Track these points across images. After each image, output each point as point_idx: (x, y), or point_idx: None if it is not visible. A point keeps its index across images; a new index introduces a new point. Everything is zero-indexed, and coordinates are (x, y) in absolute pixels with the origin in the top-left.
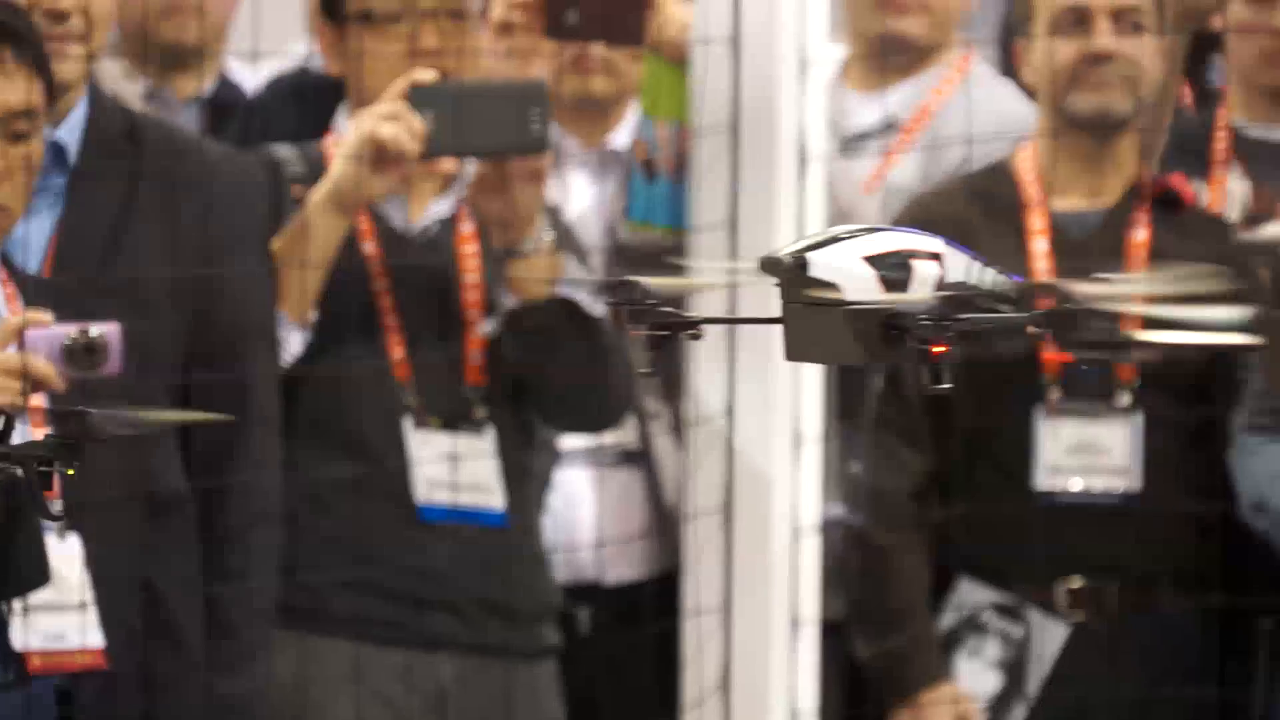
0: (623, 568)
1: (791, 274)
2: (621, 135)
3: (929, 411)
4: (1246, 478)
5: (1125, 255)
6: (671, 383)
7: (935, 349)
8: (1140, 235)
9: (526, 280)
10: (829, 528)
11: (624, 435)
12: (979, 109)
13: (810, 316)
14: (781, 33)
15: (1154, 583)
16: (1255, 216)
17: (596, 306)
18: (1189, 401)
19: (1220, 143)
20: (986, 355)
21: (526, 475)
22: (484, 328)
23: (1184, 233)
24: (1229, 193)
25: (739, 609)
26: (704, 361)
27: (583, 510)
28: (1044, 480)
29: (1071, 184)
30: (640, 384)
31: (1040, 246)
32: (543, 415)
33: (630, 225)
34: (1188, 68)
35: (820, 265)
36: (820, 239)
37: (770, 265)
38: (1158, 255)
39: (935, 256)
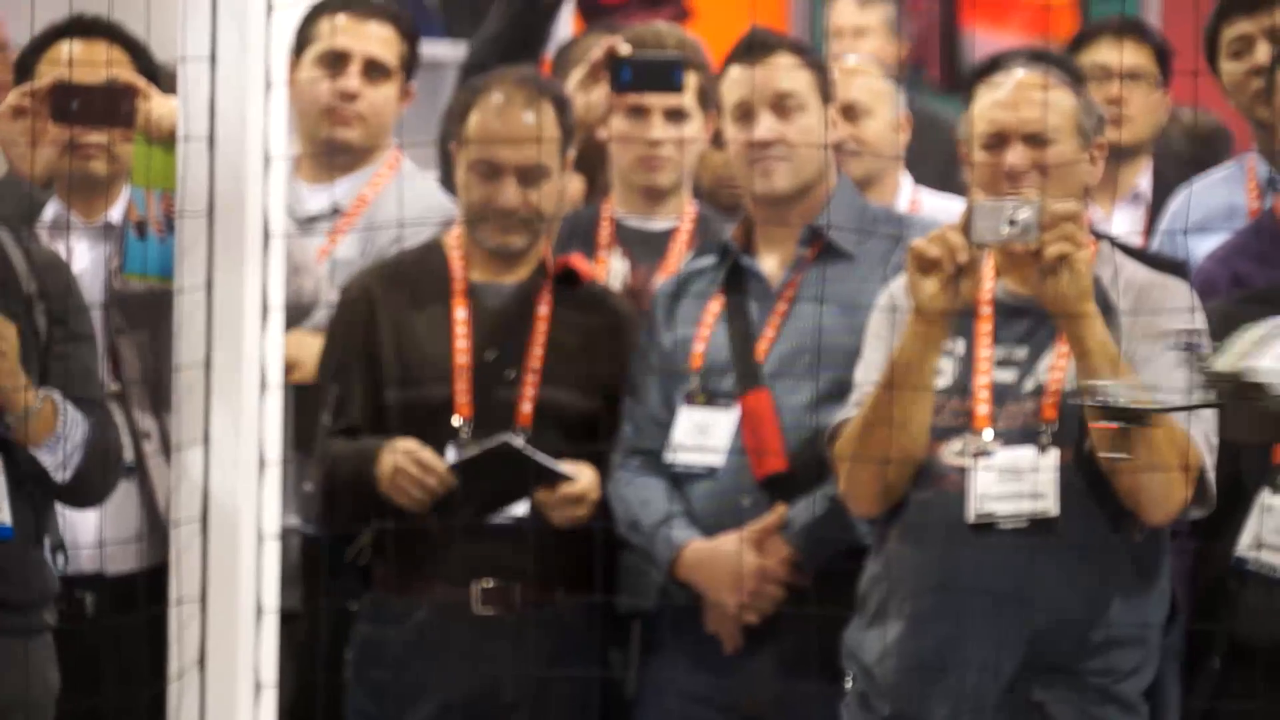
0: (121, 562)
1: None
2: (117, 210)
3: None
4: (620, 503)
5: (531, 322)
6: (161, 413)
7: None
8: (542, 308)
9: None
10: (287, 535)
11: (124, 454)
12: (407, 199)
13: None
14: (249, 133)
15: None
16: (633, 291)
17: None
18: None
19: (604, 230)
20: None
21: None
22: None
23: (578, 303)
24: (612, 270)
25: (214, 599)
26: (185, 395)
27: (88, 514)
28: None
29: (489, 261)
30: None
31: (461, 314)
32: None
33: (126, 276)
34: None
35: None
36: (1250, 346)
37: (1214, 379)
38: (555, 322)
39: None
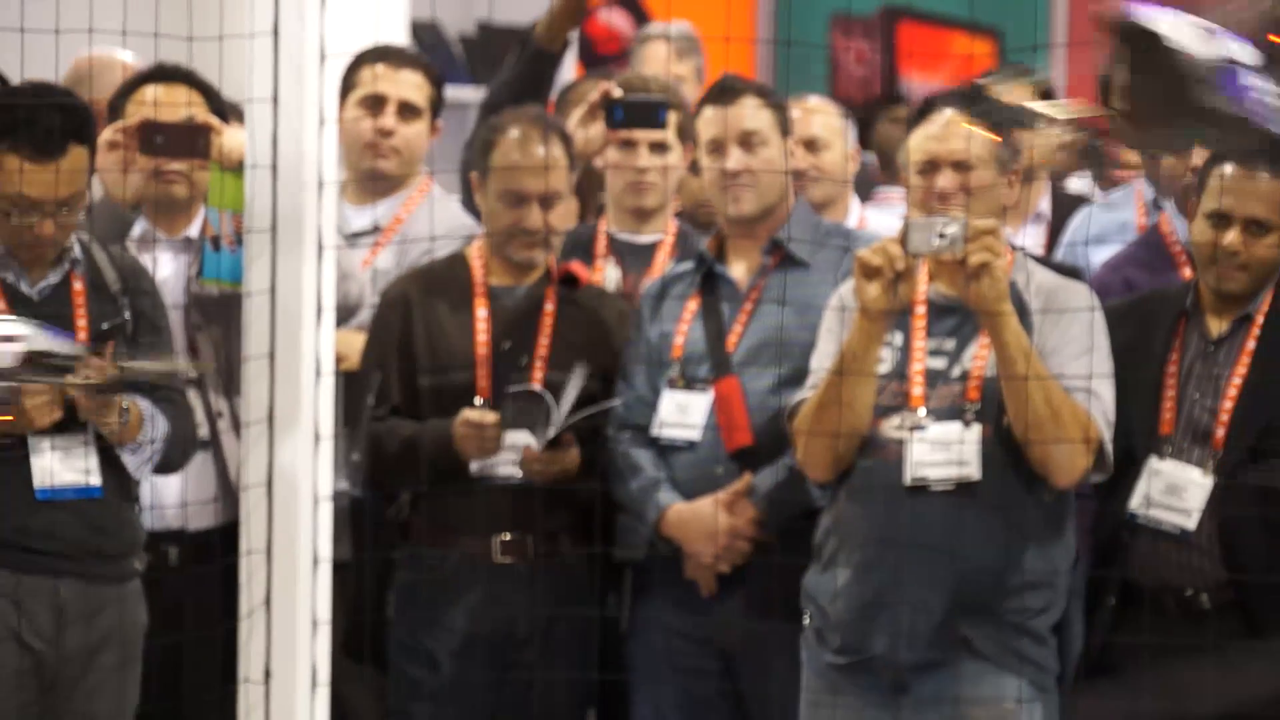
0: (200, 520)
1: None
2: (195, 227)
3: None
4: (615, 470)
5: (539, 318)
6: (232, 395)
7: None
8: (549, 306)
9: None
10: (338, 497)
11: (200, 430)
12: (436, 218)
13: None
14: (306, 163)
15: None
16: (624, 293)
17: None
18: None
19: (600, 242)
20: None
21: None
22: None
23: (578, 302)
24: (607, 276)
25: (278, 551)
26: (252, 381)
27: (172, 480)
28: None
29: (506, 269)
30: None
31: (481, 312)
32: None
33: (202, 282)
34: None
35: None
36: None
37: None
38: (560, 318)
39: None
